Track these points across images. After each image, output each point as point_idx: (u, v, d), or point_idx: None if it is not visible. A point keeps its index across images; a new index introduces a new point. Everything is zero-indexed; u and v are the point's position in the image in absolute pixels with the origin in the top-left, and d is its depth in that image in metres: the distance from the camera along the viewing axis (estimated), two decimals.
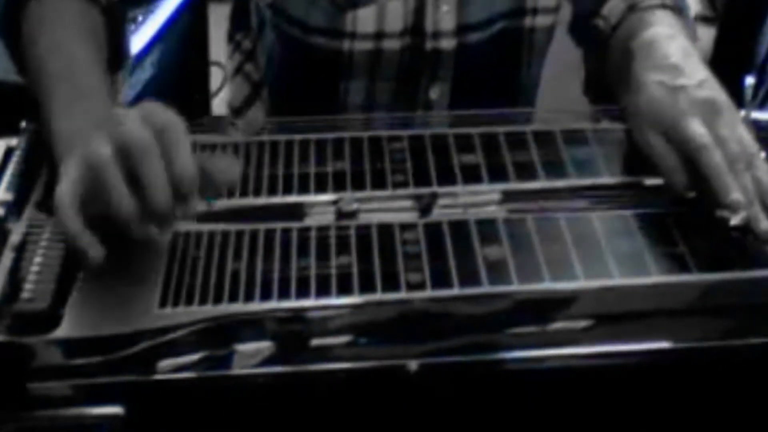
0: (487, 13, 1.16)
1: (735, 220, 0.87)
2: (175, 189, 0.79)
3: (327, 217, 0.89)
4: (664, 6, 1.08)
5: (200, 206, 0.83)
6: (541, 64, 1.24)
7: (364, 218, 0.88)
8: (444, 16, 1.13)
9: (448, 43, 1.15)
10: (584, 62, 1.20)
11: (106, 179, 0.78)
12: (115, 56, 1.03)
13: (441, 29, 1.14)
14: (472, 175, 0.93)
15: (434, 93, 1.18)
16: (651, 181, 0.94)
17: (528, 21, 1.18)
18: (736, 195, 0.86)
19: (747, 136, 0.91)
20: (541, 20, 1.19)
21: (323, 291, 0.80)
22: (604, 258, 0.84)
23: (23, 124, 0.96)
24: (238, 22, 1.26)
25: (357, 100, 1.17)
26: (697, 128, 0.90)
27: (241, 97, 1.27)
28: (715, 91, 0.93)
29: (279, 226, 0.86)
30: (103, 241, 0.79)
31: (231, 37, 1.28)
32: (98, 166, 0.78)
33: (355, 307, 0.80)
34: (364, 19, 1.12)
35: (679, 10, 1.09)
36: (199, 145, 0.95)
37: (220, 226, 0.86)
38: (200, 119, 0.99)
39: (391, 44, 1.14)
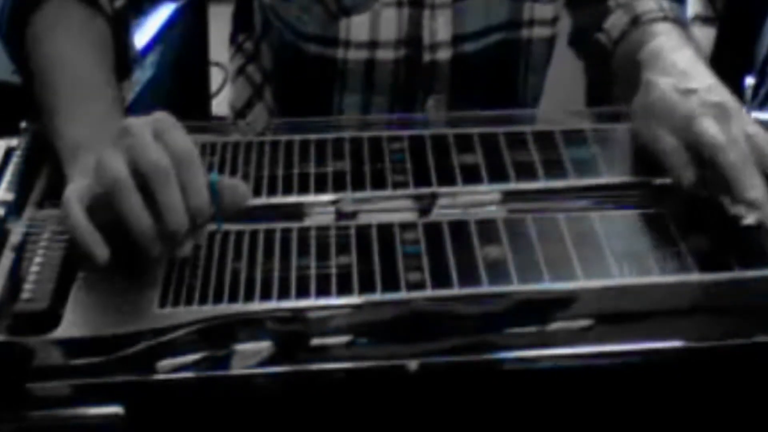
0: (483, 24, 1.15)
1: (749, 220, 0.86)
2: (189, 216, 0.79)
3: (327, 217, 0.89)
4: (666, 18, 1.08)
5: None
6: (541, 78, 1.24)
7: (364, 218, 0.88)
8: (440, 27, 1.13)
9: (444, 54, 1.15)
10: (586, 75, 1.20)
11: (125, 200, 0.79)
12: (123, 63, 1.03)
13: (437, 40, 1.14)
14: (472, 175, 0.93)
15: (431, 106, 1.17)
16: (651, 181, 0.94)
17: (525, 32, 1.18)
18: (754, 193, 0.86)
19: (761, 134, 0.91)
20: (539, 32, 1.19)
21: (323, 291, 0.80)
22: (604, 258, 0.84)
23: (23, 124, 0.96)
24: (240, 24, 1.26)
25: (352, 115, 1.17)
26: (711, 127, 0.90)
27: (243, 99, 1.27)
28: (724, 95, 0.94)
29: (279, 226, 0.86)
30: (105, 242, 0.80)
31: (233, 39, 1.28)
32: (116, 186, 0.79)
33: (355, 307, 0.80)
34: (358, 27, 1.12)
35: (681, 23, 1.09)
36: (200, 145, 0.95)
37: None
38: (202, 121, 0.99)
39: (386, 54, 1.14)
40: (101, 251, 0.79)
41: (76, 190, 0.81)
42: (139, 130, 0.81)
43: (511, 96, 1.23)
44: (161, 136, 0.81)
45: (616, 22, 1.11)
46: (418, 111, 1.17)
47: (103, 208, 0.80)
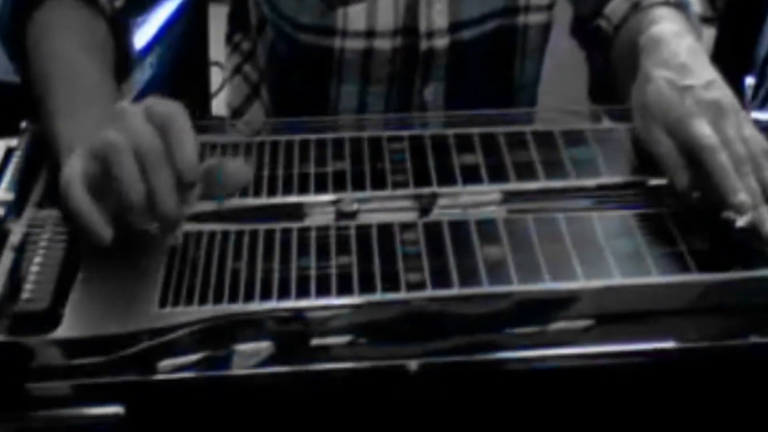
0: (479, 11, 1.15)
1: (741, 222, 0.86)
2: (178, 180, 0.78)
3: (327, 218, 0.89)
4: (667, 3, 1.08)
5: (209, 205, 0.83)
6: (538, 63, 1.24)
7: (364, 218, 0.89)
8: (437, 15, 1.13)
9: (441, 42, 1.14)
10: (588, 63, 1.19)
11: (119, 162, 0.77)
12: (122, 64, 1.03)
13: (434, 28, 1.14)
14: (472, 175, 0.93)
15: (428, 94, 1.17)
16: (651, 181, 0.94)
17: (521, 18, 1.18)
18: (741, 196, 0.86)
19: (756, 137, 0.91)
20: (534, 18, 1.19)
21: (323, 291, 0.80)
22: (604, 258, 0.84)
23: (23, 124, 0.96)
24: (237, 23, 1.26)
25: (349, 105, 1.17)
26: (703, 128, 0.89)
27: (240, 98, 1.27)
28: (722, 92, 0.93)
29: (279, 226, 0.86)
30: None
31: (229, 39, 1.28)
32: (111, 148, 0.78)
33: (355, 307, 0.80)
34: (355, 17, 1.12)
35: (683, 7, 1.09)
36: (200, 145, 0.95)
37: (220, 226, 0.86)
38: (201, 120, 0.99)
39: (383, 44, 1.14)
40: (105, 232, 0.79)
41: (77, 172, 0.80)
42: (131, 112, 0.81)
43: (508, 83, 1.22)
44: (151, 111, 0.80)
45: (616, 7, 1.11)
46: (415, 100, 1.17)
47: (99, 191, 0.80)
